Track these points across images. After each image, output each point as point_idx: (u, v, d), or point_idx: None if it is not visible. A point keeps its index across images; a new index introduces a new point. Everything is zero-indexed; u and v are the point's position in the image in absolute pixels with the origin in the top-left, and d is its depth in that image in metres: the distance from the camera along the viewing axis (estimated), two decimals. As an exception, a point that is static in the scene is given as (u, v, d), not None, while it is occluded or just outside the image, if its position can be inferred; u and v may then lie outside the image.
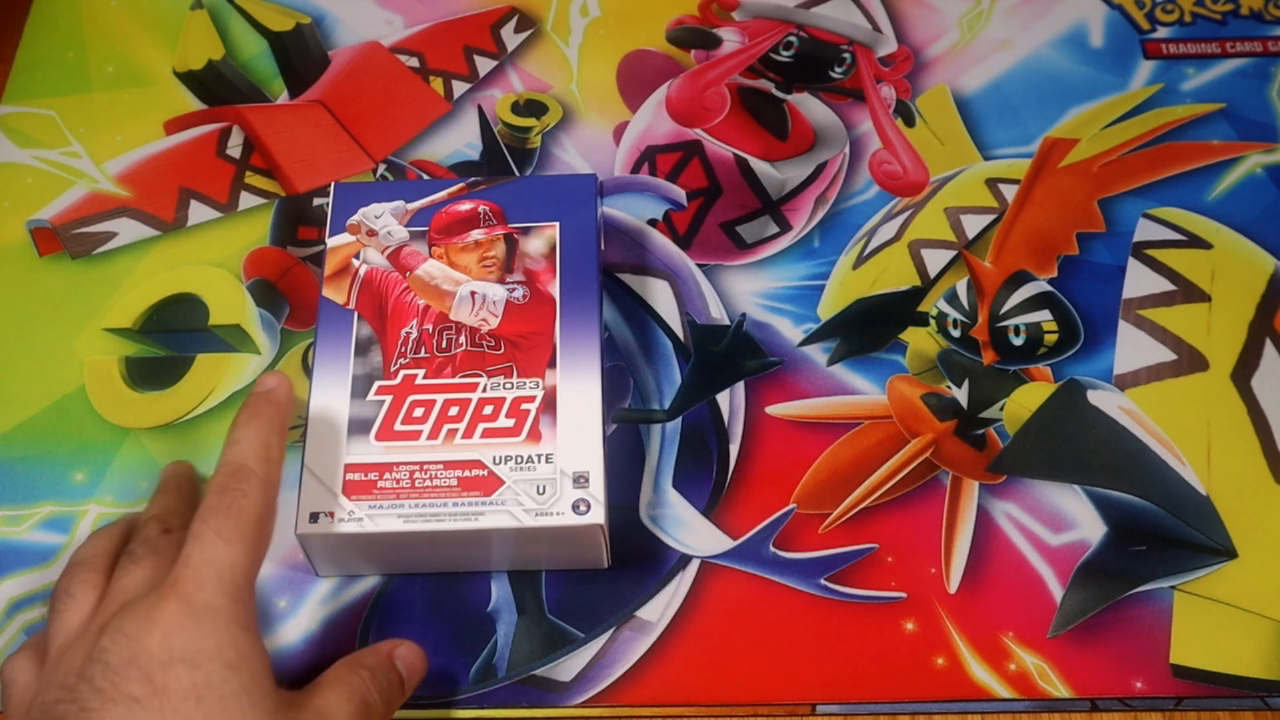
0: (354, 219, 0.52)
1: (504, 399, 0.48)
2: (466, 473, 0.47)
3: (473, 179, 0.54)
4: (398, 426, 0.48)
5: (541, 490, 0.46)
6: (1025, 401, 0.53)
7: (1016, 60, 0.64)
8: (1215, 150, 0.61)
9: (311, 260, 0.58)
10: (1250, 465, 0.52)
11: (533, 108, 0.63)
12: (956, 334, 0.55)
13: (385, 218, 0.52)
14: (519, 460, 0.47)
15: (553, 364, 0.49)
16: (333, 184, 0.54)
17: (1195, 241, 0.58)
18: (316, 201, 0.60)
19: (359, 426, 0.48)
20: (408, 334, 0.50)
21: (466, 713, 0.47)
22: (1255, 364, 0.54)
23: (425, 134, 0.62)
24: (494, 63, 0.64)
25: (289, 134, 0.62)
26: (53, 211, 0.59)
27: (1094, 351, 0.55)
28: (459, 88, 0.64)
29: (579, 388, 0.48)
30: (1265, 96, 0.63)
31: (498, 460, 0.47)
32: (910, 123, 0.62)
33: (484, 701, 0.47)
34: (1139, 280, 0.57)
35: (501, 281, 0.51)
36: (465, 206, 0.53)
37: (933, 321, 0.56)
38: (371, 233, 0.52)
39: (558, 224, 0.52)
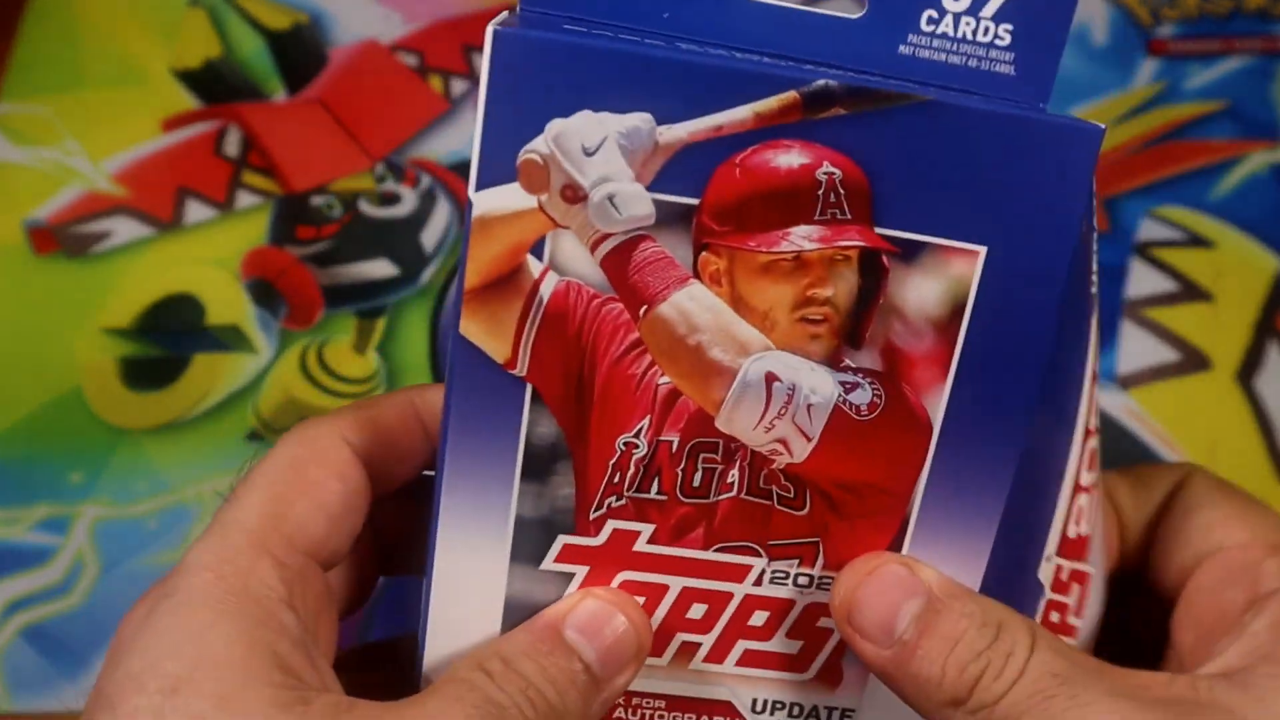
0: (536, 146, 0.25)
1: (791, 604, 0.28)
2: None
3: (820, 84, 0.24)
4: None
5: None
6: (1028, 402, 0.53)
7: (1018, 58, 0.64)
8: (1219, 149, 0.61)
9: (311, 260, 0.57)
10: (1254, 466, 0.52)
11: (532, 106, 0.62)
12: (958, 334, 0.55)
13: (607, 152, 0.24)
14: (796, 713, 0.29)
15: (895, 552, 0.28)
16: (490, 28, 0.26)
17: (1198, 241, 0.58)
18: (315, 200, 0.59)
19: (523, 618, 0.28)
20: (630, 446, 0.27)
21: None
22: (1259, 364, 0.54)
23: (424, 133, 0.62)
24: (493, 61, 0.64)
25: (287, 133, 0.61)
26: (49, 210, 0.59)
27: (1097, 351, 0.55)
28: (458, 86, 0.63)
29: None
30: (1269, 95, 0.62)
31: (760, 707, 0.29)
32: (912, 121, 0.62)
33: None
34: (1142, 280, 0.56)
35: (834, 363, 0.26)
36: (791, 158, 0.25)
37: (934, 321, 0.55)
38: (573, 191, 0.25)
39: (983, 250, 0.25)
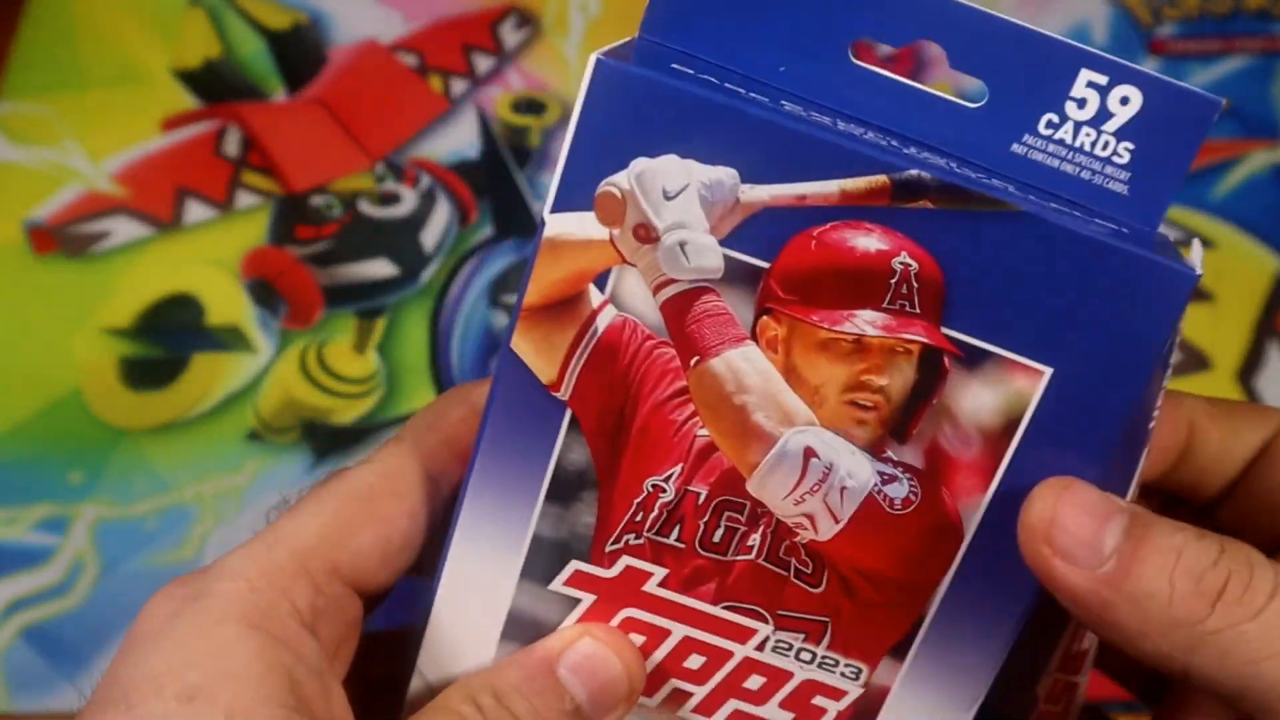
0: (617, 180, 0.24)
1: (789, 676, 0.28)
2: None
3: (914, 174, 0.24)
4: None
5: None
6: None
7: (1019, 58, 0.64)
8: (1219, 149, 0.61)
9: (311, 260, 0.57)
10: (1254, 466, 0.52)
11: (532, 106, 0.62)
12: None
13: (687, 199, 0.24)
14: None
15: (900, 652, 0.27)
16: (594, 56, 0.24)
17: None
18: (315, 200, 0.59)
19: (521, 634, 0.28)
20: (657, 489, 0.27)
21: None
22: (1259, 364, 0.54)
23: (424, 133, 0.62)
24: (493, 61, 0.64)
25: (287, 132, 0.61)
26: (49, 210, 0.59)
27: (1097, 351, 0.55)
28: (458, 86, 0.63)
29: (936, 713, 0.27)
30: (1269, 95, 0.62)
31: None
32: (912, 121, 0.62)
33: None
34: (1142, 280, 0.56)
35: (876, 452, 0.26)
36: (870, 241, 0.24)
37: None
38: (646, 231, 0.25)
39: (1049, 372, 0.25)
